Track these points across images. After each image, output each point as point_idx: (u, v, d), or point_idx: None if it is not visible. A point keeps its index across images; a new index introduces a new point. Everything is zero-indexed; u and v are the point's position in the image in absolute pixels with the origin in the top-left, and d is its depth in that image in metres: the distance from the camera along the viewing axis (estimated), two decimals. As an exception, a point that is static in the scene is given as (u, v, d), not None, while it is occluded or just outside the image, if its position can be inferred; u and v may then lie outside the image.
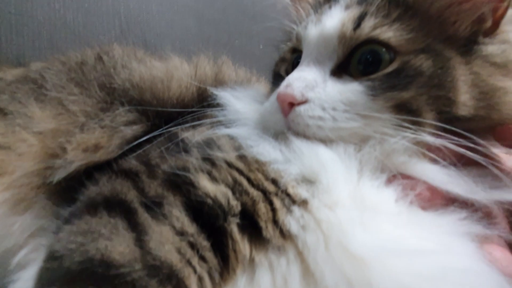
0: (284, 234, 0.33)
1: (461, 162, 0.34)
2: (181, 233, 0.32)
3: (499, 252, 0.32)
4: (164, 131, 0.43)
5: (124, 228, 0.31)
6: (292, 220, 0.33)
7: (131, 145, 0.42)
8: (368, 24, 0.38)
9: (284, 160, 0.37)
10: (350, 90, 0.37)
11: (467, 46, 0.37)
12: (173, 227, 0.32)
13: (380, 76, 0.37)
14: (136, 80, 0.47)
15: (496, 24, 0.37)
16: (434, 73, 0.35)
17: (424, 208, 0.34)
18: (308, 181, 0.35)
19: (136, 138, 0.43)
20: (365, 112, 0.36)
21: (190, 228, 0.33)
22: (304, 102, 0.38)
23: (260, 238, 0.34)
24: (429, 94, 0.35)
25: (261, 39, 1.09)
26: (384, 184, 0.35)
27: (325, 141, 0.37)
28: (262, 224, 0.34)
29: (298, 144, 0.37)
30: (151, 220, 0.32)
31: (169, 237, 0.31)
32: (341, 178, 0.35)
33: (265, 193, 0.35)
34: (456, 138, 0.33)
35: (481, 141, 0.34)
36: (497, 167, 0.33)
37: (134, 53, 0.53)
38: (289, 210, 0.34)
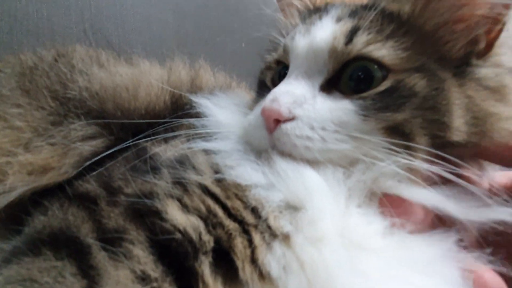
0: (264, 276, 0.29)
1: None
2: (142, 278, 0.27)
3: (490, 274, 0.31)
4: (131, 144, 0.39)
5: (72, 273, 0.26)
6: (272, 260, 0.30)
7: (89, 162, 0.37)
8: (360, 40, 0.35)
9: (267, 184, 0.33)
10: (342, 108, 0.35)
11: (461, 67, 0.35)
12: (133, 271, 0.27)
13: (372, 95, 0.34)
14: (96, 88, 0.41)
15: (490, 46, 0.36)
16: (428, 94, 0.34)
17: (414, 231, 0.32)
18: (292, 208, 0.32)
19: (96, 154, 0.37)
20: (356, 134, 0.33)
21: (154, 271, 0.28)
22: (291, 119, 0.35)
23: (235, 280, 0.29)
24: (423, 118, 0.33)
25: (244, 37, 1.05)
26: (373, 212, 0.33)
27: (313, 163, 0.34)
28: (239, 263, 0.30)
29: (283, 165, 0.34)
30: (107, 261, 0.27)
31: (128, 283, 0.27)
32: (328, 208, 0.32)
33: (243, 225, 0.31)
34: (448, 165, 0.31)
35: (472, 168, 0.33)
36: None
37: (97, 56, 0.46)
38: (269, 247, 0.30)
